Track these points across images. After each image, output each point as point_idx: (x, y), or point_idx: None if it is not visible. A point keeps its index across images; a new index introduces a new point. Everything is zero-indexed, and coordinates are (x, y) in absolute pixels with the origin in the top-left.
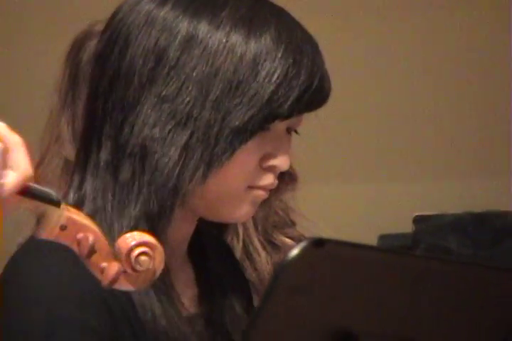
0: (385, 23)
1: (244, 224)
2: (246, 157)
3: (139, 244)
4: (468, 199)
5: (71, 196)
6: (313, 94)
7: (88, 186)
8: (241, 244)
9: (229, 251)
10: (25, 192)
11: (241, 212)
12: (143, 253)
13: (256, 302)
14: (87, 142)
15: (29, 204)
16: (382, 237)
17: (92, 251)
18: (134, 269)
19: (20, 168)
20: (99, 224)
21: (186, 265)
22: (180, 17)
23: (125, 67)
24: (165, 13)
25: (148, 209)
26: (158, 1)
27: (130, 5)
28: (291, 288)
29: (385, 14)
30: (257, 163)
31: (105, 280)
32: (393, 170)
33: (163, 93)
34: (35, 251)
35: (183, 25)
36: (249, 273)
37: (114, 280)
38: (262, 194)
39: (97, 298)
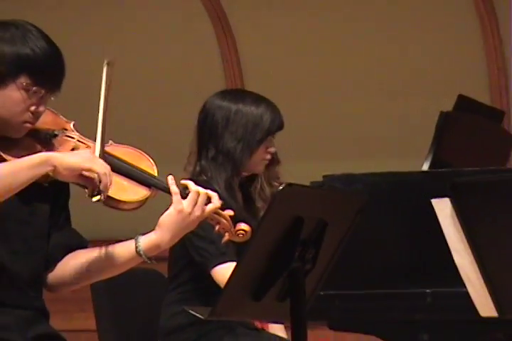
0: None
1: (261, 177)
2: (261, 148)
3: (240, 229)
4: None
5: (197, 170)
6: (279, 123)
7: (203, 169)
8: (259, 184)
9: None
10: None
11: (263, 167)
12: (241, 233)
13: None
14: (200, 153)
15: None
16: (324, 177)
17: (223, 229)
18: (236, 238)
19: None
20: (209, 184)
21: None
22: (228, 103)
23: (213, 126)
24: (224, 103)
25: (230, 174)
26: (220, 98)
27: (208, 102)
28: (280, 204)
29: None
30: (265, 149)
31: (224, 239)
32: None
33: (231, 130)
34: None
35: (230, 106)
36: (262, 197)
37: (227, 241)
38: (268, 159)
39: None
